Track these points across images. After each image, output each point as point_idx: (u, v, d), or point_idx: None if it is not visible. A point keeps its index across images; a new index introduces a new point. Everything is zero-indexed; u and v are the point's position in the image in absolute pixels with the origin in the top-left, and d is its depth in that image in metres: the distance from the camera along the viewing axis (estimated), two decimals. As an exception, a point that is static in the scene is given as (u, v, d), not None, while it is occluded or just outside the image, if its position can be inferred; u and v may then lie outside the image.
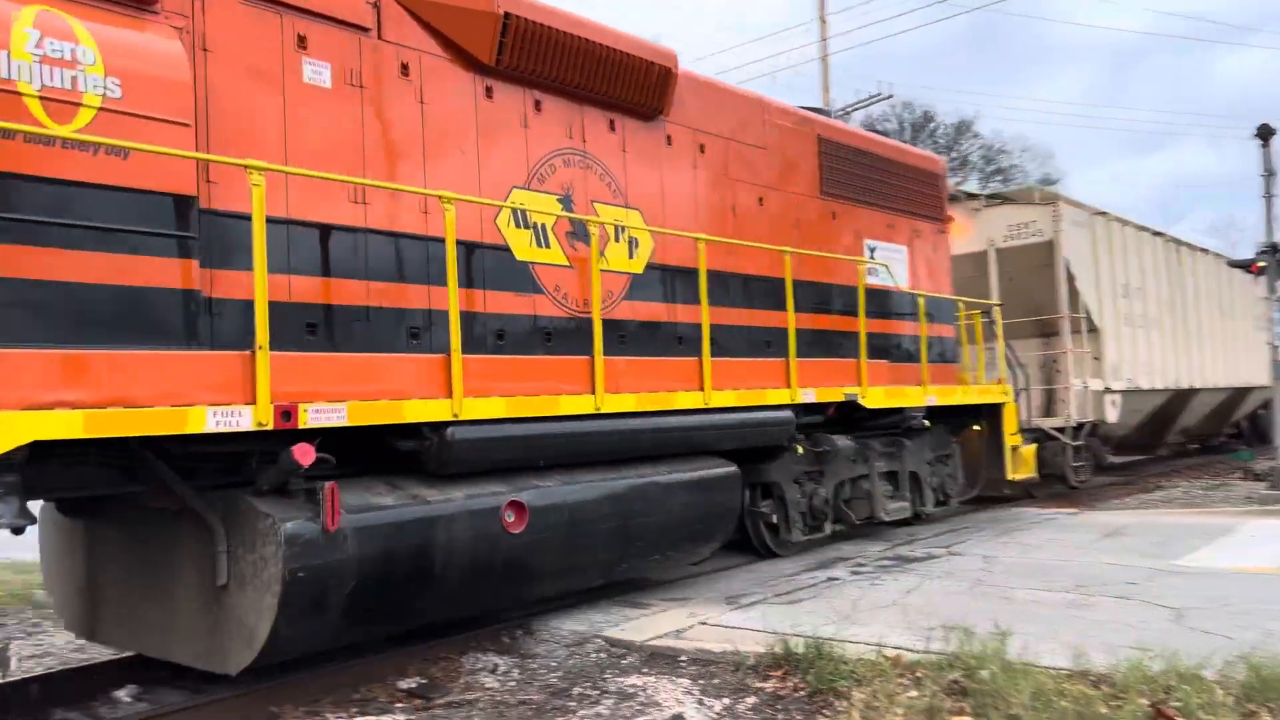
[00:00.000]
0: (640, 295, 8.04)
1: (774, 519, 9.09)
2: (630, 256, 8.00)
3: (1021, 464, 12.44)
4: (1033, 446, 12.76)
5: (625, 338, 7.83)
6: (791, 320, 8.83)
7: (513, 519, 6.17)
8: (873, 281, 10.72)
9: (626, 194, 8.06)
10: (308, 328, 5.81)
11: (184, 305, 5.07)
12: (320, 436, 5.43)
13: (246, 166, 5.10)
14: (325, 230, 5.94)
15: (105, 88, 4.86)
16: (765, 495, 9.22)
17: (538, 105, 7.39)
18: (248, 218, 5.43)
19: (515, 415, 6.27)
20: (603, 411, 6.85)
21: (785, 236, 9.59)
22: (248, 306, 5.42)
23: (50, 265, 4.59)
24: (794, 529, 9.19)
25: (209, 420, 4.79)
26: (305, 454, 5.08)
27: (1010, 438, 12.19)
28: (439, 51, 6.74)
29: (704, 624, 6.65)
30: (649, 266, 8.15)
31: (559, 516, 6.48)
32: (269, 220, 5.60)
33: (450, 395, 5.91)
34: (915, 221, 11.74)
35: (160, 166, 4.98)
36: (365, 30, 6.31)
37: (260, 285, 5.06)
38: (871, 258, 10.84)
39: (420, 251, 6.45)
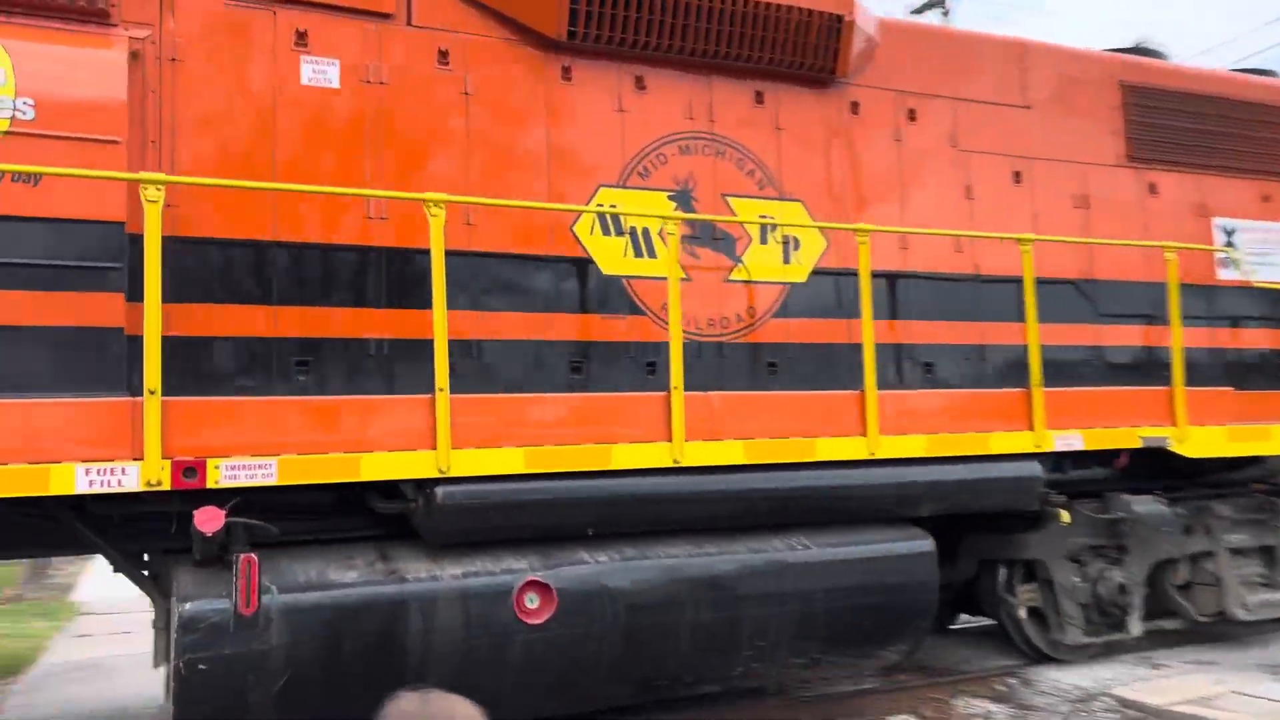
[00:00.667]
0: (802, 310, 6.20)
1: (1023, 612, 6.60)
2: (786, 261, 6.21)
3: None
4: None
5: (776, 366, 6.06)
6: (1033, 334, 6.32)
7: (535, 604, 4.78)
8: (1226, 277, 7.63)
9: (780, 182, 6.28)
10: (298, 365, 4.97)
11: (102, 346, 4.45)
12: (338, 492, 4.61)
13: (140, 180, 4.37)
14: (321, 252, 5.08)
15: (15, 109, 4.42)
16: (1030, 577, 6.75)
17: (639, 82, 5.97)
18: (209, 242, 4.79)
19: (538, 470, 4.89)
20: (682, 464, 5.19)
21: (1062, 221, 7.06)
22: (210, 344, 4.76)
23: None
24: (1067, 627, 6.59)
25: (79, 480, 4.09)
26: (208, 520, 4.21)
27: None
28: (492, 31, 5.63)
29: (1237, 693, 5.99)
30: (816, 273, 6.28)
31: (611, 604, 4.94)
32: (244, 244, 4.91)
33: (434, 446, 4.70)
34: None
35: (80, 191, 4.43)
36: (388, 16, 5.40)
37: (153, 319, 4.27)
38: (1227, 242, 7.74)
39: (462, 271, 5.35)
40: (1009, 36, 7.34)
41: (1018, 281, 6.53)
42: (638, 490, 5.09)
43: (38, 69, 4.51)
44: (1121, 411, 6.56)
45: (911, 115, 6.75)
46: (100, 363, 4.41)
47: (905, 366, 6.27)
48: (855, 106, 6.59)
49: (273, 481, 4.41)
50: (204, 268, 4.78)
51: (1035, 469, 6.13)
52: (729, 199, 6.13)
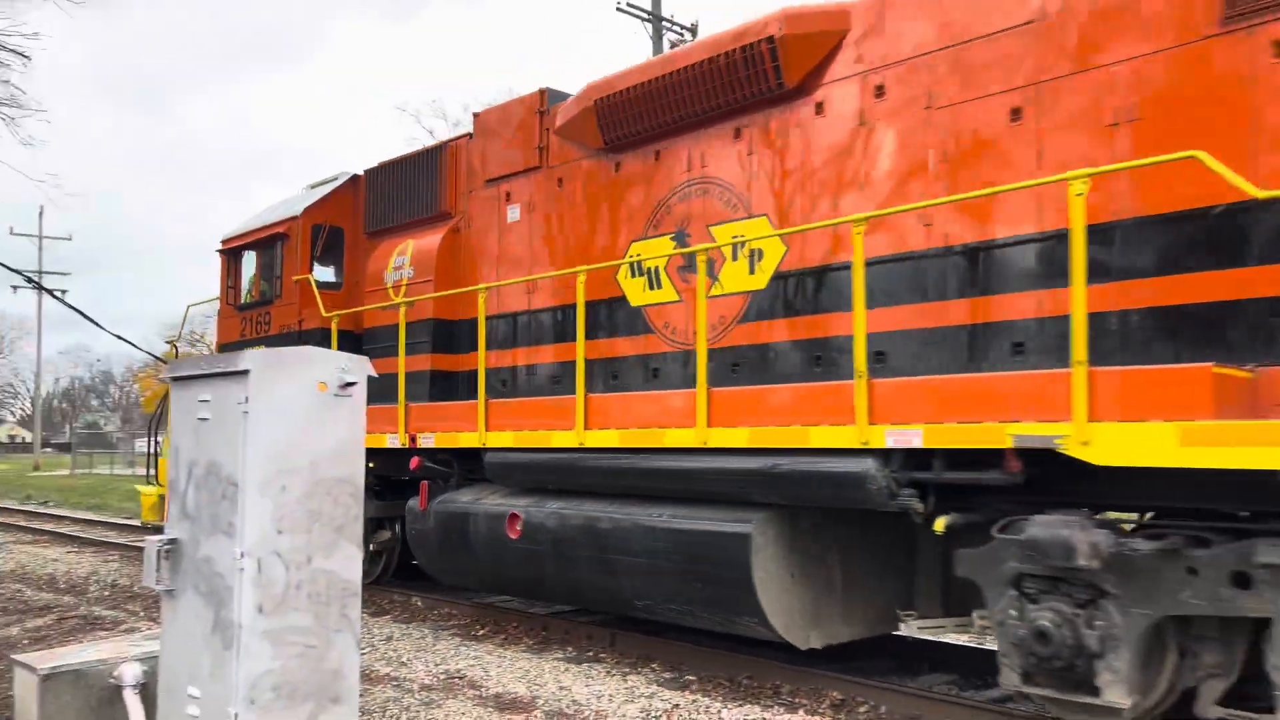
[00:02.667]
0: (762, 314, 6.99)
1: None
2: (751, 272, 7.08)
3: None
4: None
5: (739, 366, 7.11)
6: (862, 318, 5.56)
7: (521, 527, 7.78)
8: None
9: (749, 202, 7.13)
10: (501, 384, 9.01)
11: (425, 378, 9.37)
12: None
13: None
14: (511, 318, 8.96)
15: (408, 272, 9.77)
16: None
17: (657, 155, 7.83)
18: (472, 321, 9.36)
19: (519, 445, 7.80)
20: (587, 446, 7.21)
21: (1085, 149, 5.52)
22: (473, 374, 9.33)
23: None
24: (1004, 669, 5.38)
25: (388, 440, 9.16)
26: (414, 463, 8.78)
27: None
28: (578, 155, 8.46)
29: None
30: (776, 277, 6.92)
31: (544, 534, 7.49)
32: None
33: (478, 429, 8.18)
34: None
35: (420, 305, 9.47)
36: (537, 167, 8.85)
37: (401, 364, 9.03)
38: None
39: (561, 319, 8.47)
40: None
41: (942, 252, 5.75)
42: (562, 460, 7.45)
43: (415, 251, 9.75)
44: (993, 401, 5.10)
45: (879, 91, 6.44)
46: (424, 386, 9.36)
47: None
48: (819, 107, 6.76)
49: (432, 445, 8.68)
50: (466, 335, 9.26)
51: (859, 467, 5.61)
52: (711, 228, 7.38)
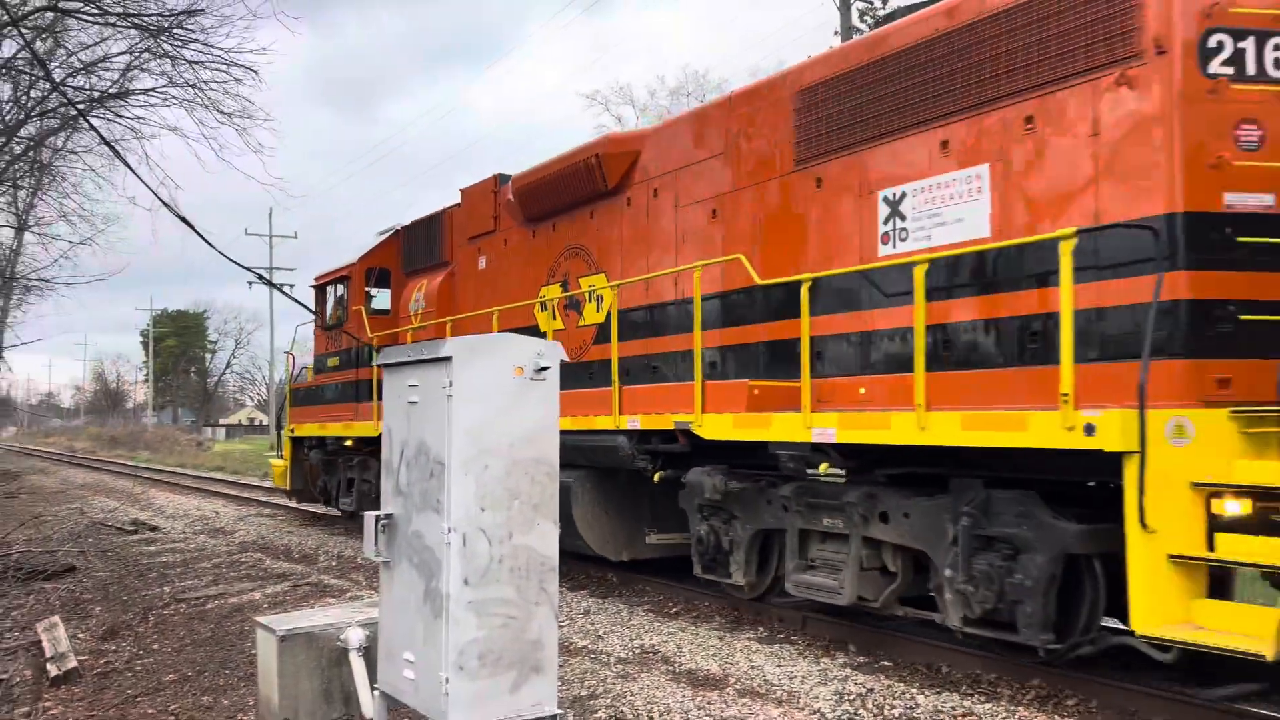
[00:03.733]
0: (602, 340, 10.42)
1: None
2: (598, 311, 10.53)
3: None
4: None
5: (593, 374, 10.57)
6: (616, 349, 8.89)
7: (470, 484, 11.52)
8: (891, 252, 7.55)
9: (597, 262, 10.55)
10: (476, 384, 12.77)
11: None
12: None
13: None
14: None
15: (422, 304, 13.64)
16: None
17: (554, 227, 11.34)
18: (455, 340, 13.21)
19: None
20: (496, 429, 10.83)
21: (743, 241, 8.71)
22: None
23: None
24: (695, 564, 8.69)
25: (404, 425, 13.09)
26: (416, 440, 12.68)
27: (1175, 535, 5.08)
28: (513, 223, 12.06)
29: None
30: (608, 315, 10.34)
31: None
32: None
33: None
34: (1029, 102, 6.49)
35: (428, 330, 13.32)
36: (493, 231, 12.51)
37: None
38: (892, 214, 7.44)
39: (507, 338, 12.11)
40: (730, 92, 8.98)
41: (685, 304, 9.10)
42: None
43: (427, 288, 13.61)
44: (672, 402, 8.40)
45: (655, 193, 9.75)
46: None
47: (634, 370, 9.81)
48: (629, 201, 10.11)
49: (427, 428, 12.53)
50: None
51: (618, 441, 9.00)
52: (579, 279, 10.85)
